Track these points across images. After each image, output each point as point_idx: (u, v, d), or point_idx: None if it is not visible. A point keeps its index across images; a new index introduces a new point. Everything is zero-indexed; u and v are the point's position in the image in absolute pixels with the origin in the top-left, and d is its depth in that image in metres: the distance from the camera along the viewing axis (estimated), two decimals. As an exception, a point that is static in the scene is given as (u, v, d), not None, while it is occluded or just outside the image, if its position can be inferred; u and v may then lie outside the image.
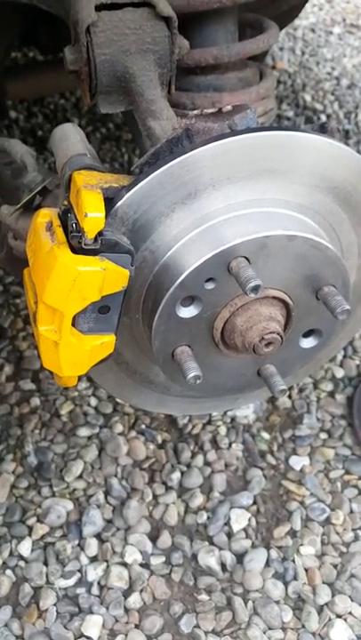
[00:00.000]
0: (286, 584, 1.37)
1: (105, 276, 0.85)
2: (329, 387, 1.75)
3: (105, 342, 0.92)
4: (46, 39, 2.00)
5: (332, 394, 1.73)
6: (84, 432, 1.62)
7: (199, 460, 1.58)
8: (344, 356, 1.83)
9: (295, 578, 1.38)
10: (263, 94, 1.19)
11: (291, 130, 0.88)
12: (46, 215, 0.90)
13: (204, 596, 1.36)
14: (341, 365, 1.80)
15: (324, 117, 2.85)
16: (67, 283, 0.84)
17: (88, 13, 0.98)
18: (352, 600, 1.34)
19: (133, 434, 1.62)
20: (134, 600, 1.35)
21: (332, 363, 1.80)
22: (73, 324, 0.89)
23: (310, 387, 1.75)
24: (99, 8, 1.00)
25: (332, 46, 3.44)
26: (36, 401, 1.70)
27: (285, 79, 3.10)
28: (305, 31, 3.53)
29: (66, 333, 0.88)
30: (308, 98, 2.97)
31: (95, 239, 0.84)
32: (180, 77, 1.15)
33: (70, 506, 1.49)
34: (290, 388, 1.72)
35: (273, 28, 1.22)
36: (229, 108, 0.87)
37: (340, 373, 1.78)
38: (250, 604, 1.34)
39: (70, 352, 0.90)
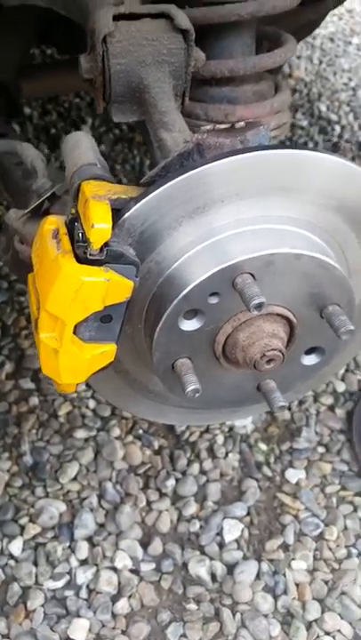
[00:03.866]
0: (276, 598, 1.37)
1: (108, 287, 0.85)
2: (329, 400, 1.75)
3: (105, 351, 0.92)
4: (64, 39, 2.00)
5: (332, 408, 1.73)
6: (80, 434, 1.63)
7: (195, 468, 1.58)
8: (346, 370, 1.82)
9: (285, 592, 1.38)
10: (277, 108, 1.19)
11: (302, 149, 0.88)
12: (53, 222, 0.90)
13: (192, 606, 1.36)
14: (343, 379, 1.80)
15: (338, 128, 2.84)
16: (70, 292, 0.83)
17: (105, 23, 0.97)
18: (342, 618, 1.34)
19: (130, 438, 1.63)
20: (122, 606, 1.35)
21: (333, 376, 1.80)
22: (74, 332, 0.89)
23: (310, 399, 1.74)
24: (117, 18, 1.00)
25: (351, 57, 3.43)
26: (34, 400, 1.70)
27: (301, 88, 3.09)
28: (323, 40, 3.52)
29: (66, 342, 0.88)
30: (323, 108, 2.96)
31: (101, 250, 0.84)
32: (195, 88, 1.15)
33: (63, 507, 1.49)
34: (290, 402, 1.72)
35: (290, 41, 1.22)
36: (242, 124, 0.87)
37: (341, 387, 1.78)
38: (238, 616, 1.34)
39: (70, 360, 0.90)
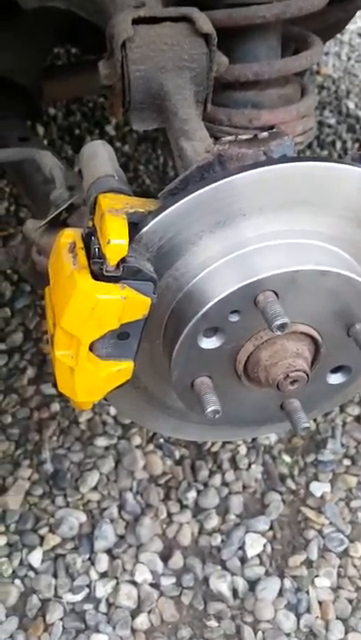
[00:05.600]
0: (299, 616, 1.33)
1: (125, 305, 0.82)
2: (356, 411, 1.70)
3: (122, 369, 0.89)
4: (87, 39, 1.97)
5: (358, 418, 1.68)
6: (101, 442, 1.60)
7: (217, 479, 1.54)
8: (373, 380, 1.77)
9: (308, 610, 1.34)
10: (303, 112, 1.14)
11: (328, 161, 0.84)
12: (70, 236, 0.87)
13: (213, 623, 1.33)
14: (370, 389, 1.75)
15: (367, 126, 2.77)
16: (85, 310, 0.81)
17: (124, 28, 0.94)
18: (366, 639, 1.30)
19: (151, 447, 1.60)
20: (142, 621, 1.32)
21: None
22: (91, 349, 0.86)
23: (336, 410, 1.70)
24: (136, 21, 0.97)
25: (381, 52, 3.34)
26: (56, 406, 1.69)
27: (329, 85, 3.02)
28: (352, 36, 3.44)
29: (82, 360, 0.85)
30: (351, 105, 2.89)
31: (117, 266, 0.81)
32: (218, 92, 1.11)
33: (83, 518, 1.47)
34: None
35: (317, 44, 1.17)
36: (265, 134, 0.83)
37: (367, 397, 1.73)
38: (259, 634, 1.31)
39: (86, 378, 0.87)
